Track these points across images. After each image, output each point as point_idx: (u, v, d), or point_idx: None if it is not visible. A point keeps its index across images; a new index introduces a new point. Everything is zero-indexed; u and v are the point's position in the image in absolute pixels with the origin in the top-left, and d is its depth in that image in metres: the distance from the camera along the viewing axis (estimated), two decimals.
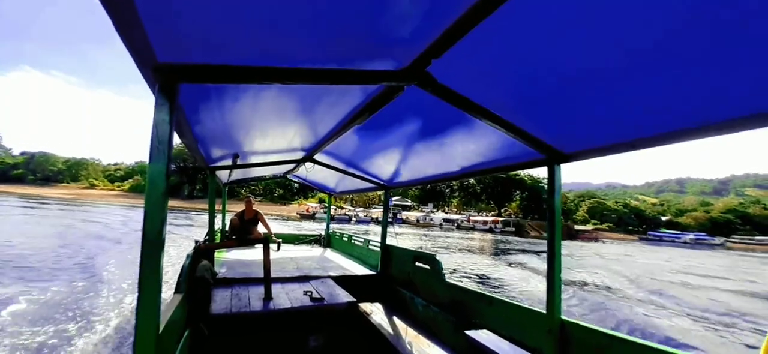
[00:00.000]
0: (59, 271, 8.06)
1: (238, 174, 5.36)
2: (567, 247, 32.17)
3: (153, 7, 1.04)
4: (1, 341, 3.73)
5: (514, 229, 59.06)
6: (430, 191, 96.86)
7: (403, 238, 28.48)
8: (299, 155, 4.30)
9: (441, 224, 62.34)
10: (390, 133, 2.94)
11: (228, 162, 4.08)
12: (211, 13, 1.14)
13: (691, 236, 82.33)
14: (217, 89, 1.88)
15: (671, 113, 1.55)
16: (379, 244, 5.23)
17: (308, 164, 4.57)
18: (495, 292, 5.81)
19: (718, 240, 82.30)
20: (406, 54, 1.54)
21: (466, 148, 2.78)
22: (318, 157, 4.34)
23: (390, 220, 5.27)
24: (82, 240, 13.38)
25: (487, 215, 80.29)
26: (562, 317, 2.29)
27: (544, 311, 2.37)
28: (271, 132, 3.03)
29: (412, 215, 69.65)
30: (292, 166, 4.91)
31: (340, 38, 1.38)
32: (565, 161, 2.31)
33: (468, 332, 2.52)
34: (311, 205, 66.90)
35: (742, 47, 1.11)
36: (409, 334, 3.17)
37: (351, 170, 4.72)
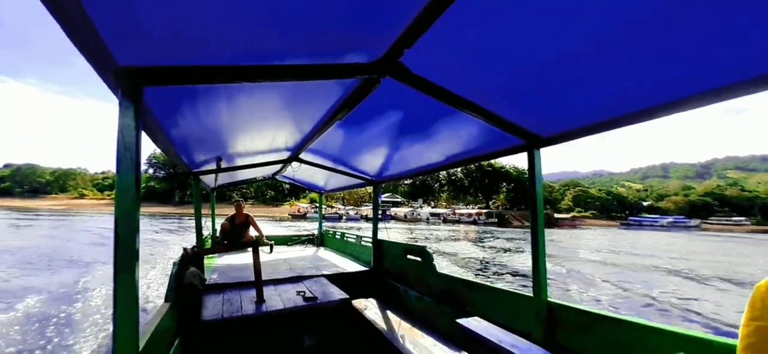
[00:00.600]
0: (100, 262, 11.38)
1: (224, 178, 5.36)
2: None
3: (105, 10, 1.00)
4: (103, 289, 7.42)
5: (496, 219, 62.33)
6: (420, 186, 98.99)
7: (391, 233, 30.18)
8: (285, 155, 4.29)
9: (427, 219, 64.58)
10: (374, 128, 2.94)
11: (212, 166, 4.08)
12: (171, 12, 1.10)
13: (668, 220, 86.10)
14: (188, 91, 1.86)
15: (646, 89, 1.56)
16: (371, 240, 5.22)
17: (295, 164, 4.59)
18: None
19: (693, 222, 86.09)
20: (378, 45, 1.53)
21: (449, 138, 2.81)
22: (304, 155, 4.34)
23: (379, 217, 5.47)
24: (100, 246, 15.61)
25: (472, 208, 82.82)
26: (549, 299, 2.32)
27: (532, 295, 2.41)
28: (252, 132, 3.04)
29: (401, 211, 71.86)
30: (278, 166, 4.91)
31: (309, 32, 1.35)
32: (544, 146, 2.33)
33: (459, 320, 2.54)
34: (302, 205, 68.83)
35: (714, 19, 1.11)
36: (403, 327, 3.19)
37: (339, 167, 4.74)
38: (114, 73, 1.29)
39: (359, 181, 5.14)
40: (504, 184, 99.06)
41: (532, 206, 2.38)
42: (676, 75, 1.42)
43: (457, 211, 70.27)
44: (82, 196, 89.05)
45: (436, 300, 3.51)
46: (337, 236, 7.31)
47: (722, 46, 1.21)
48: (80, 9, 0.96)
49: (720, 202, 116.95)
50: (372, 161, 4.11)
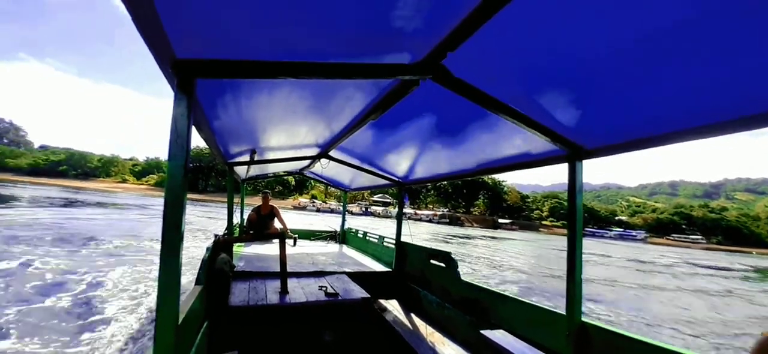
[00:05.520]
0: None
1: (255, 170, 5.58)
2: (472, 233, 48.14)
3: (170, 5, 1.07)
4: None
5: (447, 220, 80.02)
6: (407, 191, 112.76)
7: (363, 221, 43.00)
8: (314, 151, 4.31)
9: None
10: (405, 129, 2.91)
11: (245, 158, 4.19)
12: (226, 9, 1.15)
13: (614, 233, 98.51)
14: (233, 84, 1.92)
15: (703, 104, 1.43)
16: (393, 241, 5.24)
17: (323, 160, 4.59)
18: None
19: (640, 235, 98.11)
20: (421, 47, 1.53)
21: (483, 144, 2.73)
22: (333, 153, 4.36)
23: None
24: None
25: (432, 209, 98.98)
26: (583, 319, 2.19)
27: (564, 312, 2.26)
28: (286, 128, 3.07)
29: (378, 209, 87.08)
30: (307, 162, 4.96)
31: (353, 32, 1.37)
32: (587, 157, 2.21)
33: (484, 332, 2.45)
34: (302, 200, 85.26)
35: None
36: (423, 332, 3.15)
37: (366, 167, 4.74)
38: (172, 64, 1.36)
39: (386, 181, 5.17)
40: (482, 192, 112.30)
41: (570, 220, 2.26)
42: (739, 91, 1.30)
43: (418, 212, 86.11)
44: (124, 180, 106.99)
45: (459, 308, 3.48)
46: (359, 235, 7.49)
47: None
48: (150, 3, 1.02)
49: (688, 222, 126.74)
50: (401, 163, 4.11)
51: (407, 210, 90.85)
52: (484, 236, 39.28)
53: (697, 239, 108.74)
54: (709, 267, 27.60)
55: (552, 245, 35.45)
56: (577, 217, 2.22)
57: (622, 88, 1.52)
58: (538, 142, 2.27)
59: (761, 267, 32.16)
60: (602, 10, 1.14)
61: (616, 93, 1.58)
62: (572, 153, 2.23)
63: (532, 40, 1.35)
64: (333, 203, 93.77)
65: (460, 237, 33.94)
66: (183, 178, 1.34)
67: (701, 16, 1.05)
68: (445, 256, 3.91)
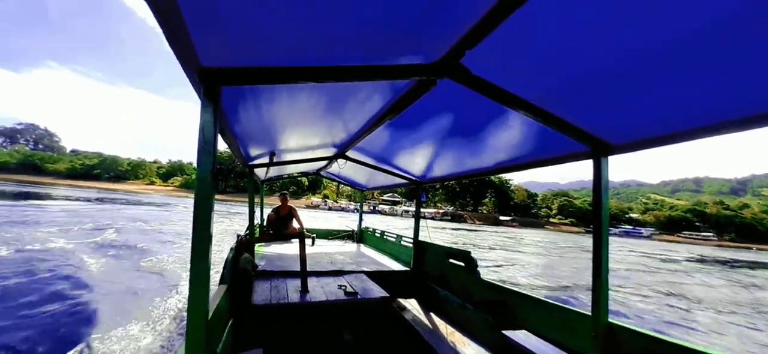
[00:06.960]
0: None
1: (273, 171, 5.70)
2: (472, 228, 51.98)
3: (198, 16, 1.11)
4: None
5: (450, 217, 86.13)
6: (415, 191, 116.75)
7: (371, 219, 47.51)
8: (331, 152, 4.37)
9: (402, 214, 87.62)
10: (423, 128, 2.90)
11: (265, 160, 4.27)
12: (249, 19, 1.19)
13: (620, 230, 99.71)
14: (254, 90, 1.95)
15: (731, 99, 1.39)
16: (411, 240, 5.27)
17: (340, 161, 4.64)
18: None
19: (646, 231, 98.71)
20: (439, 46, 1.52)
21: (502, 142, 2.70)
22: (350, 153, 4.40)
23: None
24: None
25: (438, 208, 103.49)
26: (610, 320, 2.15)
27: (590, 312, 2.23)
28: (304, 130, 3.12)
29: (386, 208, 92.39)
30: (324, 162, 5.06)
31: (373, 35, 1.38)
32: (613, 153, 2.15)
33: (506, 332, 2.44)
34: (315, 199, 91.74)
35: None
36: (444, 331, 3.14)
37: (383, 166, 4.76)
38: (198, 73, 1.41)
39: (403, 180, 5.26)
40: (489, 191, 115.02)
41: (596, 217, 2.19)
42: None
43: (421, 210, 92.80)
44: (152, 182, 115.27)
45: (479, 308, 3.44)
46: (376, 234, 7.56)
47: None
48: (178, 12, 1.05)
49: (702, 219, 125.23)
50: (418, 162, 4.10)
51: (411, 208, 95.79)
52: (474, 230, 43.09)
53: (709, 236, 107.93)
54: (664, 258, 30.80)
55: (516, 237, 38.89)
56: (603, 215, 2.17)
57: (650, 81, 1.48)
58: (561, 139, 2.25)
59: (714, 256, 35.37)
60: (623, 5, 1.12)
61: (644, 86, 1.53)
62: (597, 149, 2.18)
63: (553, 34, 1.33)
64: (343, 202, 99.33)
65: (443, 230, 37.79)
66: (211, 181, 1.41)
67: (729, 16, 1.03)
68: (465, 256, 3.89)
